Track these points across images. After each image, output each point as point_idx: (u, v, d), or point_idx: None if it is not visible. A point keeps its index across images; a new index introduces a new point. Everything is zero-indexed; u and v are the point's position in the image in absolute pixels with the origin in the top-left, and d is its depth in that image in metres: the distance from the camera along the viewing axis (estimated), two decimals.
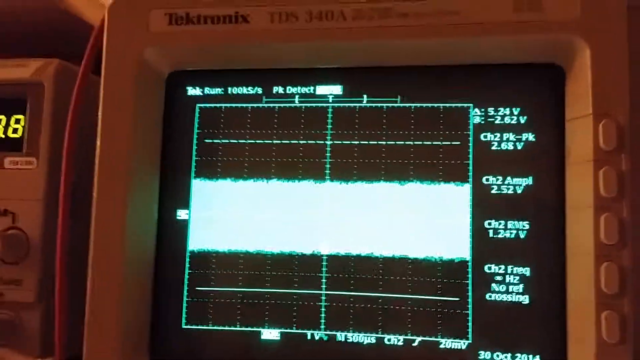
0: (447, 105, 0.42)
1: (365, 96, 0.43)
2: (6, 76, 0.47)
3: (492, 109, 0.41)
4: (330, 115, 0.43)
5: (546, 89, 0.40)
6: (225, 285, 0.43)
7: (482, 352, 0.40)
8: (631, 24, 0.37)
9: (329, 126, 0.43)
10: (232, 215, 0.43)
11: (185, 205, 0.44)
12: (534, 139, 0.40)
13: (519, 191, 0.40)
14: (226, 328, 0.42)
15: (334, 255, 0.42)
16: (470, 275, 0.40)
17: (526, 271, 0.40)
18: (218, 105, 0.44)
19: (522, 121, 0.41)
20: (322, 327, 0.41)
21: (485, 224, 0.40)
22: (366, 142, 0.42)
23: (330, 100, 0.43)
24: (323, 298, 0.42)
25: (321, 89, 0.43)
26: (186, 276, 0.43)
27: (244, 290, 0.42)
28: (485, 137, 0.41)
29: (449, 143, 0.41)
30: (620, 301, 0.35)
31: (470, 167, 0.41)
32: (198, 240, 0.43)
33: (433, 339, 0.40)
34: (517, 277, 0.40)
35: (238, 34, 0.40)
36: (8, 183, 0.46)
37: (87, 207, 0.41)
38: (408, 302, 0.41)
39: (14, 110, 0.47)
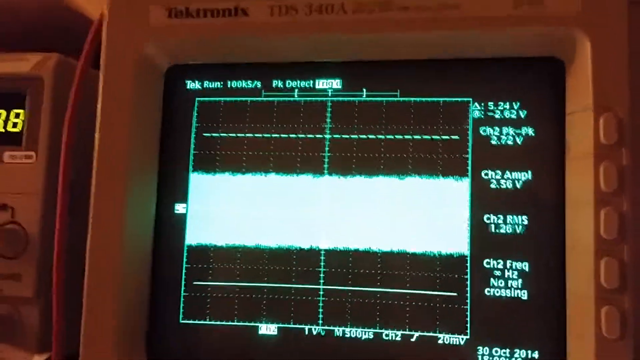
0: (447, 99, 0.41)
1: (364, 90, 0.43)
2: (5, 70, 0.47)
3: (492, 103, 0.41)
4: (329, 110, 0.43)
5: (546, 83, 0.40)
6: (223, 279, 0.42)
7: (480, 348, 0.39)
8: (632, 20, 0.37)
9: (328, 120, 0.43)
10: (230, 209, 0.43)
11: (183, 199, 0.43)
12: (533, 134, 0.40)
13: (519, 186, 0.40)
14: (224, 323, 0.42)
15: (332, 249, 0.41)
16: (469, 270, 0.40)
17: (525, 266, 0.39)
18: (217, 99, 0.44)
19: (522, 115, 0.40)
20: (320, 322, 0.41)
21: (485, 218, 0.40)
22: (365, 137, 0.42)
23: (330, 95, 0.43)
24: (321, 293, 0.41)
25: (320, 83, 0.43)
26: (184, 271, 0.43)
27: (242, 285, 0.42)
28: (485, 131, 0.41)
29: (448, 137, 0.41)
30: (620, 296, 0.35)
31: (470, 162, 0.41)
32: (196, 234, 0.43)
33: (431, 334, 0.40)
34: (516, 272, 0.39)
35: (237, 27, 0.40)
36: (7, 177, 0.45)
37: (86, 202, 0.41)
38: (406, 297, 0.40)
39: (13, 104, 0.47)
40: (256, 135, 0.43)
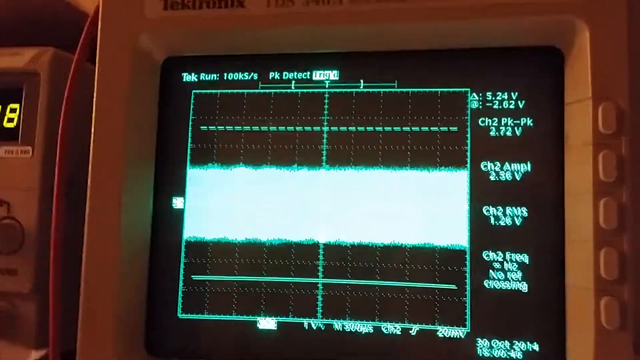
0: (445, 90, 0.41)
1: (362, 81, 0.42)
2: (1, 65, 0.46)
3: (490, 93, 0.41)
4: (326, 101, 0.42)
5: (545, 72, 0.40)
6: (221, 274, 0.42)
7: (480, 340, 0.39)
8: (631, 9, 0.36)
9: (326, 112, 0.42)
10: (228, 203, 0.43)
11: (181, 193, 0.43)
12: (532, 124, 0.40)
13: (518, 177, 0.40)
14: (222, 317, 0.42)
15: (330, 242, 0.41)
16: (468, 263, 0.40)
17: (525, 258, 0.39)
18: (214, 91, 0.44)
19: (521, 106, 0.40)
20: (319, 315, 0.41)
21: (484, 210, 0.40)
22: (363, 128, 0.42)
23: (327, 86, 0.43)
24: (320, 286, 0.41)
25: (318, 74, 0.43)
26: (182, 265, 0.43)
27: (240, 279, 0.42)
28: (483, 122, 0.40)
29: (447, 129, 0.41)
30: (619, 287, 0.35)
31: (468, 153, 0.40)
32: (194, 228, 0.43)
33: (431, 327, 0.40)
34: (516, 264, 0.39)
35: (234, 19, 0.40)
36: (3, 172, 0.45)
37: (83, 196, 0.41)
38: (405, 290, 0.40)
39: (9, 99, 0.47)
40: (253, 127, 0.43)
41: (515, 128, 0.40)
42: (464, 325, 0.39)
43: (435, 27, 0.39)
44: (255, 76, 0.43)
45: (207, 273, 0.42)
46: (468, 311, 0.39)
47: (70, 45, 0.44)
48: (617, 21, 0.36)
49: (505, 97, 0.40)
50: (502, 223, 0.40)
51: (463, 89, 0.41)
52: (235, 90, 0.44)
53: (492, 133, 0.40)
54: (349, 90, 0.42)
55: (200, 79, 0.44)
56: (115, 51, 0.41)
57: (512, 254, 0.39)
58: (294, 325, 0.41)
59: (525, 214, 0.39)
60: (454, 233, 0.40)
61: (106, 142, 0.41)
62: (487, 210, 0.40)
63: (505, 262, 0.39)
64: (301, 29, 0.40)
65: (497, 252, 0.39)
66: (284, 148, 0.42)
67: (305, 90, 0.43)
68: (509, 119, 0.40)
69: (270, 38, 0.41)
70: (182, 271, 0.43)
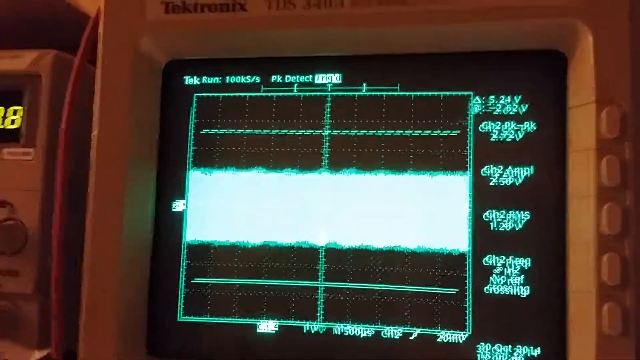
0: (447, 93, 0.41)
1: (364, 85, 0.42)
2: (3, 67, 0.47)
3: (493, 97, 0.40)
4: (329, 105, 0.42)
5: (548, 76, 0.40)
6: (222, 277, 0.42)
7: (481, 345, 0.39)
8: (634, 12, 0.36)
9: (328, 115, 0.42)
10: (229, 206, 0.43)
11: (182, 196, 0.43)
12: (535, 128, 0.40)
13: (520, 181, 0.39)
14: (223, 320, 0.42)
15: (331, 246, 0.41)
16: (469, 267, 0.39)
17: (526, 263, 0.39)
18: (215, 94, 0.44)
19: (523, 110, 0.40)
20: (320, 319, 0.41)
21: (485, 214, 0.40)
22: (365, 132, 0.42)
23: (329, 89, 0.42)
24: (320, 290, 0.41)
25: (320, 78, 0.43)
26: (183, 268, 0.43)
27: (241, 282, 0.42)
28: (486, 126, 0.40)
29: (449, 132, 0.41)
30: (622, 293, 0.35)
31: (470, 157, 0.40)
32: (195, 231, 0.43)
33: (431, 331, 0.40)
34: (517, 269, 0.39)
35: (235, 22, 0.40)
36: (6, 174, 0.45)
37: (85, 198, 0.41)
38: (406, 294, 0.40)
39: (11, 101, 0.47)
40: (255, 131, 0.43)
41: (518, 132, 0.40)
42: (465, 330, 0.39)
43: (438, 30, 0.39)
44: (258, 79, 0.43)
45: (207, 276, 0.42)
46: (469, 316, 0.39)
47: (71, 46, 0.44)
48: (620, 24, 0.36)
49: (508, 101, 0.40)
50: (503, 227, 0.39)
51: (466, 93, 0.41)
52: (237, 94, 0.43)
53: (494, 137, 0.40)
54: (351, 93, 0.42)
55: (203, 82, 0.44)
56: (117, 54, 0.41)
57: (514, 259, 0.39)
58: (294, 328, 0.41)
59: (527, 218, 0.39)
60: (455, 237, 0.40)
61: (108, 144, 0.41)
62: (489, 215, 0.40)
63: (506, 266, 0.39)
64: (302, 32, 0.40)
65: (499, 257, 0.39)
66: (285, 151, 0.42)
67: (307, 94, 0.43)
68: (511, 122, 0.40)
69: (272, 41, 0.41)
70: (183, 274, 0.43)
